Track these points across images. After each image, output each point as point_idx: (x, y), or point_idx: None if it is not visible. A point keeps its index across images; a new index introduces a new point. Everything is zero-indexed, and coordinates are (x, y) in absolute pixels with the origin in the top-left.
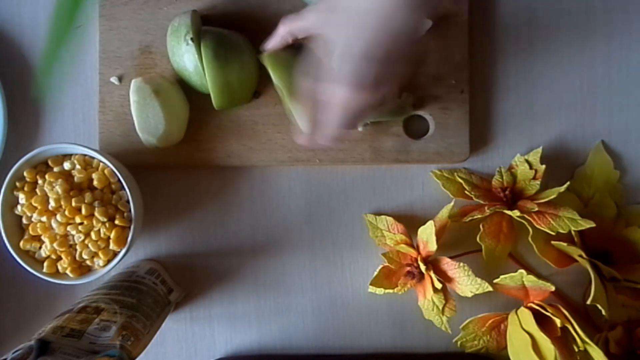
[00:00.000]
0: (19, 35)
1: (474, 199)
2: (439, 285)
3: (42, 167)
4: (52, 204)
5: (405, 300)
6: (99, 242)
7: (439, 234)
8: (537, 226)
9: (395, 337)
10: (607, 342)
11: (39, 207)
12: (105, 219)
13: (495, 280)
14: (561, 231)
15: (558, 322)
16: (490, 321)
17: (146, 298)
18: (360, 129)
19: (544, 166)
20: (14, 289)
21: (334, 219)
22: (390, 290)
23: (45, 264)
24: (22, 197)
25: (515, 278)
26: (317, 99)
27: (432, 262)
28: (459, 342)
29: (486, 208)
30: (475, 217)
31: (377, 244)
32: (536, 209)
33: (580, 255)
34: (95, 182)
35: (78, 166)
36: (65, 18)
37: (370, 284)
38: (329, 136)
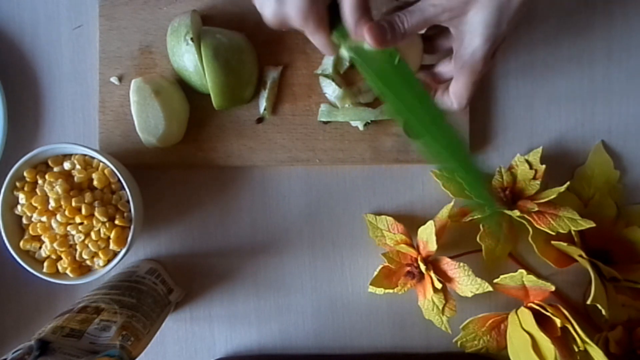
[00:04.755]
0: (19, 35)
1: (474, 199)
2: (439, 285)
3: (42, 167)
4: (52, 204)
5: (405, 300)
6: (99, 242)
7: (439, 234)
8: (537, 226)
9: (395, 337)
10: (607, 342)
11: (39, 207)
12: (105, 219)
13: (495, 280)
14: (561, 231)
15: (558, 322)
16: (490, 321)
17: (146, 298)
18: (361, 128)
19: (544, 166)
20: (14, 289)
21: (334, 219)
22: (390, 290)
23: (45, 264)
24: (22, 197)
25: (515, 278)
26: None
27: (432, 262)
28: (459, 342)
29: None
30: (475, 217)
31: (377, 244)
32: (536, 209)
33: (580, 255)
34: (95, 182)
35: (78, 166)
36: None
37: (370, 284)
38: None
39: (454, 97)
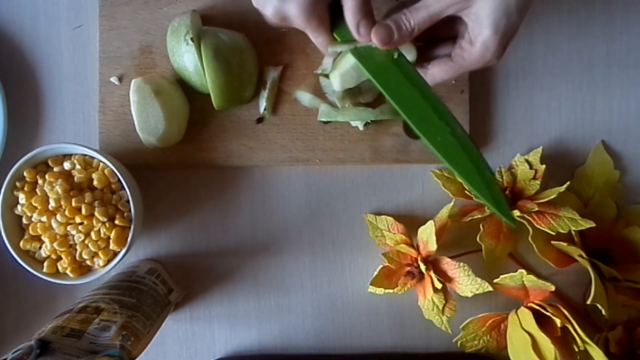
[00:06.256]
0: (19, 35)
1: (474, 199)
2: (439, 285)
3: (42, 167)
4: (52, 204)
5: (405, 300)
6: (99, 242)
7: (439, 233)
8: (537, 226)
9: (395, 337)
10: (607, 342)
11: (39, 207)
12: (105, 219)
13: (495, 280)
14: (561, 231)
15: (558, 322)
16: (490, 321)
17: (146, 298)
18: (361, 128)
19: (544, 166)
20: (14, 289)
21: (334, 219)
22: (390, 290)
23: (45, 264)
24: (22, 197)
25: (515, 278)
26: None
27: (432, 262)
28: (459, 342)
29: (486, 208)
30: (475, 217)
31: (377, 244)
32: (536, 209)
33: (580, 255)
34: (95, 182)
35: (78, 166)
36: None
37: (370, 284)
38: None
39: (437, 80)
